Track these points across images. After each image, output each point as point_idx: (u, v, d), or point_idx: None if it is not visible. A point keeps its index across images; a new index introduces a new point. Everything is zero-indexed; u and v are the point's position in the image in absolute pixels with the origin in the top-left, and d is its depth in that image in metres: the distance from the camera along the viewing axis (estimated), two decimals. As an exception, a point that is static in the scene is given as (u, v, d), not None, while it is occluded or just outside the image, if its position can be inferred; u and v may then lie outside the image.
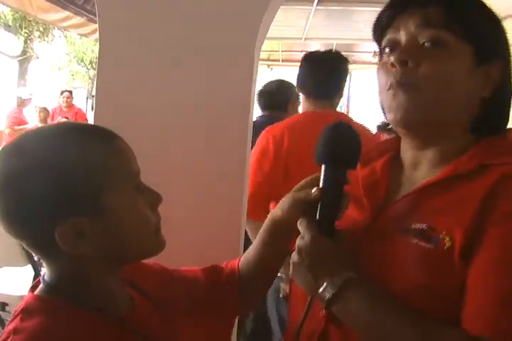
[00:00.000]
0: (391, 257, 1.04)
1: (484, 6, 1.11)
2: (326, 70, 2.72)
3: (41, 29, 14.20)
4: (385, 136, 1.27)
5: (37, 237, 0.97)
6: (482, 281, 0.94)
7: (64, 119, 8.37)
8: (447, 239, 0.97)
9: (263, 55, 12.22)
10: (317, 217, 1.06)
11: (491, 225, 0.95)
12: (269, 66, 13.90)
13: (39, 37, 14.66)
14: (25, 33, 14.11)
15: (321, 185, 1.06)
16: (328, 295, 1.00)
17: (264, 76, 18.01)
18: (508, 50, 1.13)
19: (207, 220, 1.77)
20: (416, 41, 1.07)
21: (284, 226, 1.22)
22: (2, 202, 0.94)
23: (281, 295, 2.73)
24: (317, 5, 6.41)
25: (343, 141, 1.05)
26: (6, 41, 14.56)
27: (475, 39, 1.06)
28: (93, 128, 1.05)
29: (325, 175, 1.05)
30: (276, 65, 13.17)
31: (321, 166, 1.06)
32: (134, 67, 1.77)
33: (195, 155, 1.75)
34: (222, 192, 1.76)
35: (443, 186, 1.05)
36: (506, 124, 1.15)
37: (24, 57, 14.79)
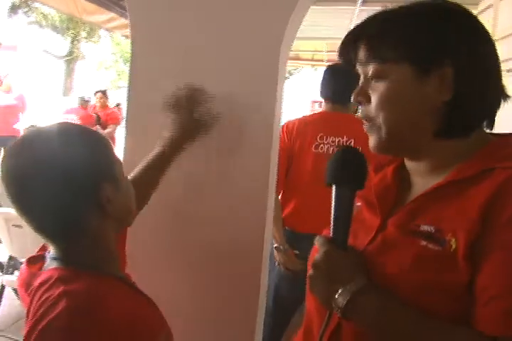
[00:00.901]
0: (400, 259, 1.04)
1: (410, 16, 1.11)
2: (341, 80, 3.06)
3: (87, 30, 14.40)
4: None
5: (70, 215, 1.13)
6: (493, 283, 0.94)
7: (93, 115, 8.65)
8: (453, 240, 0.99)
9: (307, 55, 12.15)
10: (331, 234, 1.10)
11: (499, 229, 0.95)
12: (313, 66, 13.84)
13: (85, 37, 14.88)
14: (72, 33, 14.34)
15: (332, 204, 1.11)
16: (342, 302, 1.01)
17: (308, 76, 18.03)
18: (459, 46, 1.08)
19: (231, 219, 1.80)
20: (367, 78, 1.14)
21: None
22: (46, 186, 1.09)
23: (276, 263, 3.00)
24: (361, 5, 6.36)
25: (351, 163, 1.14)
26: (53, 42, 14.83)
27: (407, 57, 1.08)
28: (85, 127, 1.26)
29: (336, 194, 1.11)
30: (321, 65, 13.06)
31: (331, 187, 1.12)
32: (164, 73, 1.81)
33: (222, 156, 1.79)
34: (246, 191, 1.79)
35: (448, 190, 1.06)
36: (483, 121, 1.13)
37: (71, 57, 15.03)
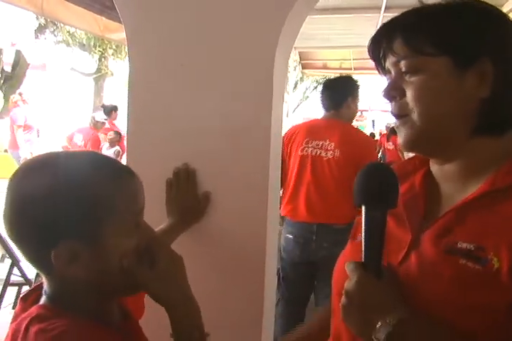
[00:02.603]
0: (438, 279, 1.00)
1: (449, 11, 1.08)
2: (331, 89, 3.79)
3: (114, 47, 14.50)
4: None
5: (36, 253, 1.04)
6: None
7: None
8: (495, 259, 0.95)
9: (335, 63, 12.09)
10: (362, 258, 1.05)
11: None
12: (341, 74, 13.75)
13: (112, 54, 14.99)
14: (99, 51, 14.47)
15: (363, 226, 1.05)
16: (383, 336, 0.95)
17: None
18: (499, 43, 1.06)
19: (232, 235, 1.83)
20: (400, 73, 1.10)
21: None
22: (13, 218, 1.02)
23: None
24: (384, 12, 6.38)
25: (380, 181, 1.05)
26: (81, 60, 14.98)
27: (447, 51, 1.05)
28: (113, 163, 1.13)
29: (366, 216, 1.04)
30: (349, 73, 12.99)
31: (360, 208, 1.06)
32: (161, 85, 1.85)
33: (218, 166, 1.81)
34: (245, 199, 1.80)
35: (484, 202, 1.02)
36: None
37: (99, 74, 15.17)
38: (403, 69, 1.09)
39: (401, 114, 1.10)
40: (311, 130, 3.65)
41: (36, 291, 1.13)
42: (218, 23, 1.77)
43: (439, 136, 1.09)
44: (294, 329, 1.44)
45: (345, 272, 1.07)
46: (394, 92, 1.11)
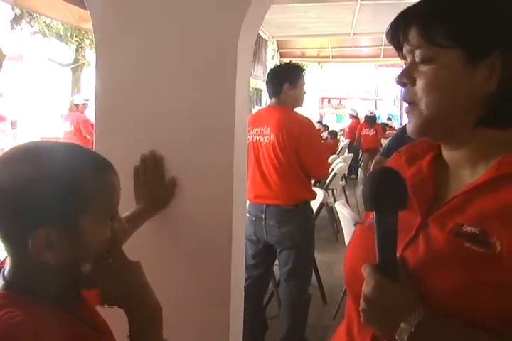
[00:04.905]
0: (441, 258, 1.05)
1: (468, 4, 1.09)
2: (269, 79, 4.13)
3: (91, 37, 14.35)
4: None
5: (13, 238, 1.08)
6: None
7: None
8: (498, 243, 0.99)
9: (313, 52, 12.10)
10: (377, 260, 1.06)
11: None
12: (319, 63, 13.77)
13: (90, 45, 14.83)
14: (76, 41, 14.31)
15: (375, 230, 1.06)
16: (405, 337, 1.00)
17: (315, 73, 17.99)
18: (509, 35, 1.07)
19: (197, 220, 1.88)
20: (414, 61, 1.15)
21: None
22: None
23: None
24: (362, 0, 6.33)
25: (386, 186, 1.06)
26: (58, 50, 14.81)
27: (461, 44, 1.08)
28: (95, 155, 1.16)
29: (377, 221, 1.06)
30: (327, 61, 13.02)
31: (371, 212, 1.09)
32: (127, 73, 1.90)
33: (184, 153, 1.86)
34: (211, 184, 1.86)
35: (489, 187, 1.07)
36: None
37: (76, 65, 15.01)
38: (417, 58, 1.13)
39: (410, 100, 1.15)
40: (254, 119, 3.93)
41: None
42: (183, 10, 1.79)
43: (444, 126, 1.12)
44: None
45: (356, 258, 1.15)
46: (405, 80, 1.15)
